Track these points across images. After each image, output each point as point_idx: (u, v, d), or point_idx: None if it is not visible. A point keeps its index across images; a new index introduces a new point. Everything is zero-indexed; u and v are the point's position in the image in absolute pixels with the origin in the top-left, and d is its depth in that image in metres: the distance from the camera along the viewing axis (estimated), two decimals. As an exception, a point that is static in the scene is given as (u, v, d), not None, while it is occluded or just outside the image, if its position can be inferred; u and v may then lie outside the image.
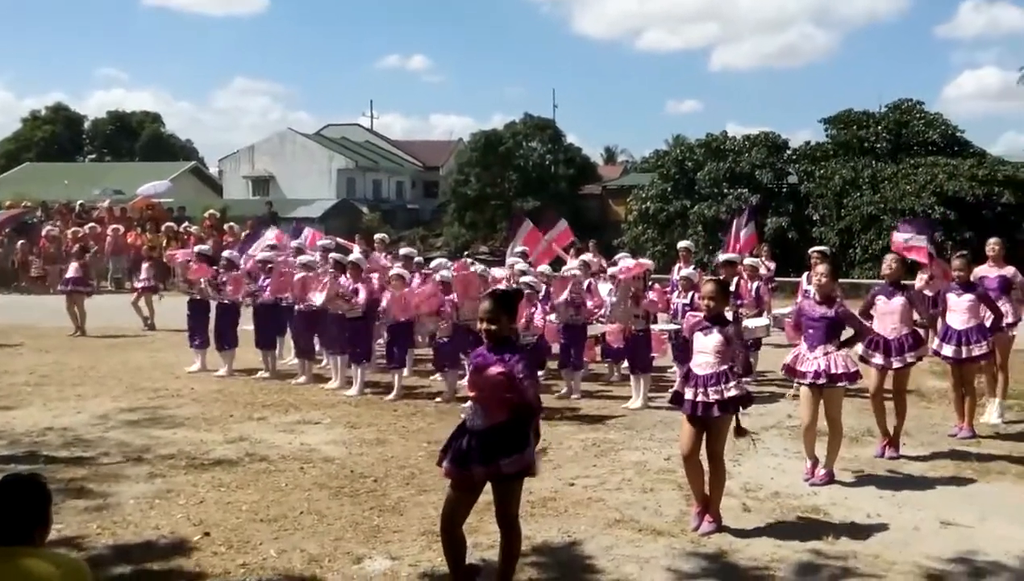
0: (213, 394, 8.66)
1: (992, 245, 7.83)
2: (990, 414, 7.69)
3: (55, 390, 8.79)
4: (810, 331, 5.73)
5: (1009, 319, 7.55)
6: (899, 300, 6.46)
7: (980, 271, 7.62)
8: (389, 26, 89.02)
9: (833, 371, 5.57)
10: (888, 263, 6.67)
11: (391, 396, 8.54)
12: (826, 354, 5.59)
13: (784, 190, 27.94)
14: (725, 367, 4.85)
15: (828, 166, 27.16)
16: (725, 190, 27.48)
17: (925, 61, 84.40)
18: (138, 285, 13.75)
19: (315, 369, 9.63)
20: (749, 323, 8.69)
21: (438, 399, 8.48)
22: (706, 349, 4.91)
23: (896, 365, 6.40)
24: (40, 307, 15.01)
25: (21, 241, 19.50)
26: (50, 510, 2.66)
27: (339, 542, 4.71)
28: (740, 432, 4.97)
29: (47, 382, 9.19)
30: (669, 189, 28.95)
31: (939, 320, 7.31)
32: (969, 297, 6.97)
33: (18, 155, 47.54)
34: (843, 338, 5.77)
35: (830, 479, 5.77)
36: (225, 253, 10.53)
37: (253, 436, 7.00)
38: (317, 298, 8.78)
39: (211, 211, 21.23)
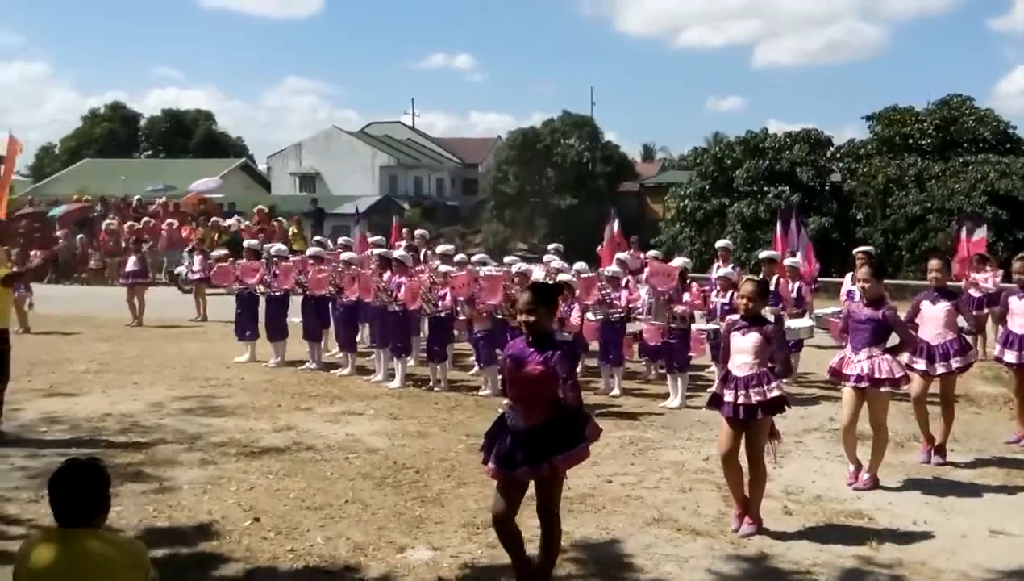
0: (262, 384, 8.93)
1: None
2: None
3: (114, 378, 9.16)
4: (856, 333, 5.66)
5: None
6: (944, 305, 6.32)
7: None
8: (437, 25, 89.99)
9: (876, 375, 5.49)
10: (933, 269, 6.51)
11: (438, 387, 8.76)
12: (870, 357, 5.52)
13: (827, 188, 27.45)
14: (765, 368, 4.84)
15: (872, 164, 26.60)
16: (764, 188, 27.12)
17: (977, 56, 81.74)
18: (192, 278, 14.29)
19: (359, 361, 9.86)
20: (792, 324, 8.61)
21: (477, 393, 8.61)
22: (744, 349, 4.88)
23: (940, 371, 6.27)
24: (99, 298, 15.59)
25: (81, 235, 20.28)
26: (109, 493, 2.74)
27: (382, 531, 4.85)
28: (772, 434, 4.95)
29: (106, 370, 9.59)
30: (707, 187, 28.70)
31: (1000, 325, 7.09)
32: None
33: (79, 151, 49.34)
34: (889, 344, 5.69)
35: (874, 484, 5.70)
36: (275, 247, 10.87)
37: (300, 426, 7.21)
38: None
39: (260, 206, 21.75)
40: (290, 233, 19.16)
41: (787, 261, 10.20)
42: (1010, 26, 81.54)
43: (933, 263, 6.59)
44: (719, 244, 11.41)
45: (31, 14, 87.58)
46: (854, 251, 10.11)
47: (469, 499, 5.41)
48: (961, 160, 25.22)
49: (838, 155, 28.89)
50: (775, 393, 4.80)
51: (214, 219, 20.06)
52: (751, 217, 26.61)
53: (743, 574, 4.39)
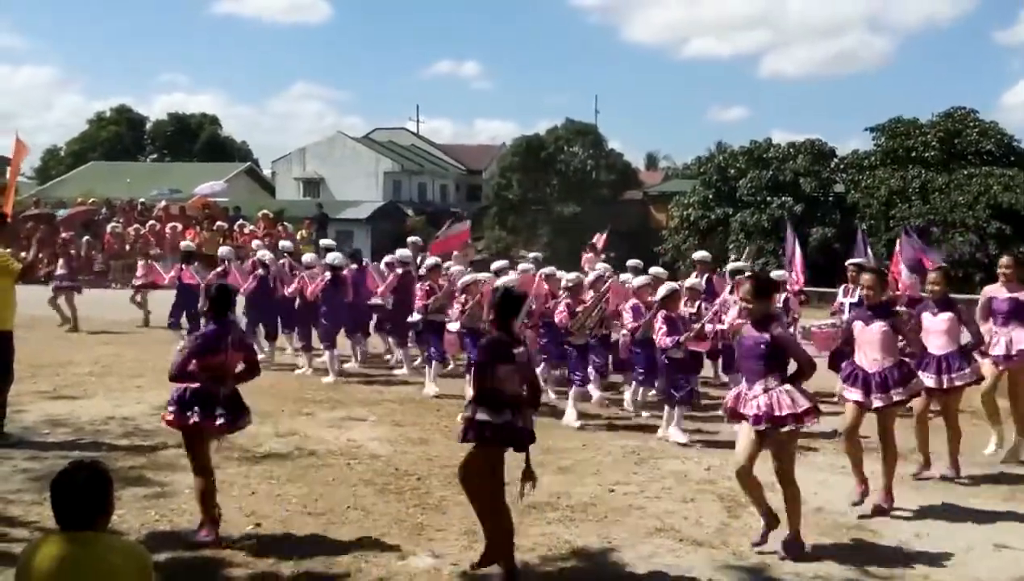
0: (265, 389, 8.89)
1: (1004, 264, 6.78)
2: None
3: (116, 381, 9.18)
4: (745, 362, 4.89)
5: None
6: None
7: (991, 292, 6.78)
8: (444, 32, 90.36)
9: (776, 412, 4.63)
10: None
11: (429, 391, 8.78)
12: (767, 390, 4.66)
13: (830, 199, 27.46)
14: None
15: (875, 175, 26.62)
16: (767, 198, 27.16)
17: (983, 68, 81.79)
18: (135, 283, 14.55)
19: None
20: None
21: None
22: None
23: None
24: (103, 301, 15.63)
25: (86, 237, 20.36)
26: (112, 497, 2.74)
27: (384, 538, 4.85)
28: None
29: (109, 373, 9.61)
30: (711, 196, 28.73)
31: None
32: None
33: (84, 154, 49.52)
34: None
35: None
36: (307, 256, 10.90)
37: (302, 431, 7.23)
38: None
39: (264, 211, 21.83)
40: (299, 237, 19.24)
41: (773, 273, 10.14)
42: (1017, 39, 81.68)
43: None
44: (695, 256, 11.02)
45: (41, 19, 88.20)
46: (846, 263, 9.60)
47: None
48: (965, 172, 25.21)
49: (842, 166, 28.91)
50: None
51: (219, 223, 20.14)
52: (754, 227, 26.64)
53: (744, 585, 4.39)
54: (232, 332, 4.79)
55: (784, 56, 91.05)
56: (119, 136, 52.62)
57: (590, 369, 8.07)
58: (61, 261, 13.74)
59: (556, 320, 8.10)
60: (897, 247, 10.22)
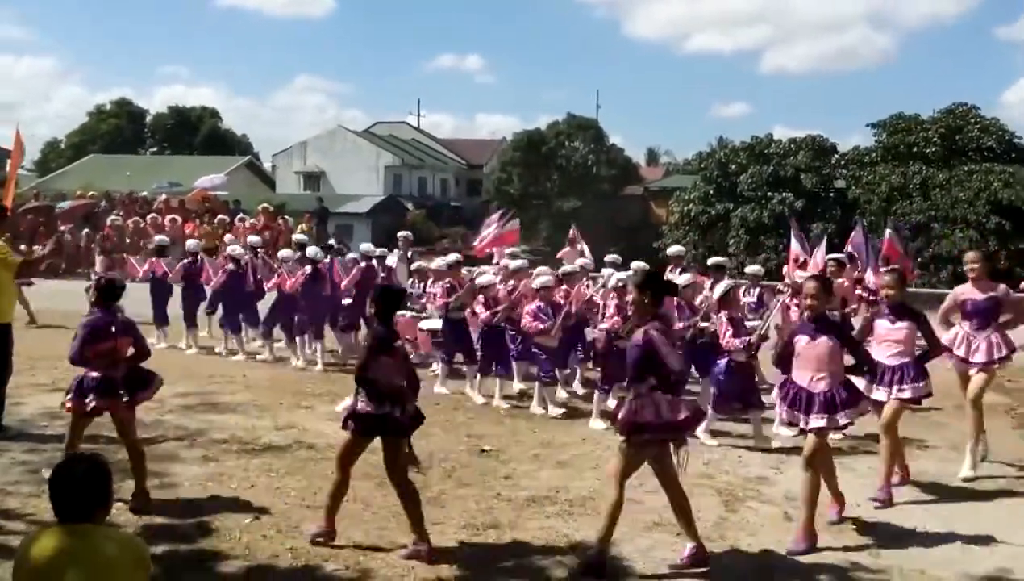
0: (264, 382, 8.94)
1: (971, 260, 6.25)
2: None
3: (114, 374, 9.18)
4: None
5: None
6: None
7: (963, 293, 6.24)
8: (447, 26, 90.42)
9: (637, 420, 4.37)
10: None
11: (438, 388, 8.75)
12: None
13: (831, 195, 27.45)
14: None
15: (876, 171, 26.60)
16: (768, 194, 27.15)
17: (985, 64, 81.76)
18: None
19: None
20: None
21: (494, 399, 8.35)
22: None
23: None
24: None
25: (86, 230, 20.34)
26: (111, 490, 2.73)
27: (382, 531, 4.85)
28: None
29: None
30: (711, 192, 28.73)
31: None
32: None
33: (84, 147, 49.44)
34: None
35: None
36: (282, 251, 11.05)
37: (301, 424, 7.23)
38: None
39: (265, 205, 21.80)
40: (299, 231, 19.21)
41: (748, 268, 10.05)
42: (1019, 35, 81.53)
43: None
44: (670, 251, 10.87)
45: (42, 9, 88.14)
46: (827, 258, 8.87)
47: (469, 500, 5.41)
48: (965, 169, 25.19)
49: (843, 162, 28.88)
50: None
51: (220, 217, 20.10)
52: (755, 222, 26.63)
53: (741, 579, 4.39)
54: (117, 320, 5.17)
55: (786, 52, 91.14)
56: (119, 129, 52.55)
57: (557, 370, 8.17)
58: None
59: (608, 325, 7.59)
60: (887, 238, 10.04)
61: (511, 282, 8.90)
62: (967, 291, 6.20)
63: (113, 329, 5.11)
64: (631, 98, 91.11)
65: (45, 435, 6.65)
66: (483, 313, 8.39)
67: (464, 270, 9.48)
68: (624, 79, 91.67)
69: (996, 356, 6.05)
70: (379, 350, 4.43)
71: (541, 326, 7.82)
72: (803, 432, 4.92)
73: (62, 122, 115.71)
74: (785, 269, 9.96)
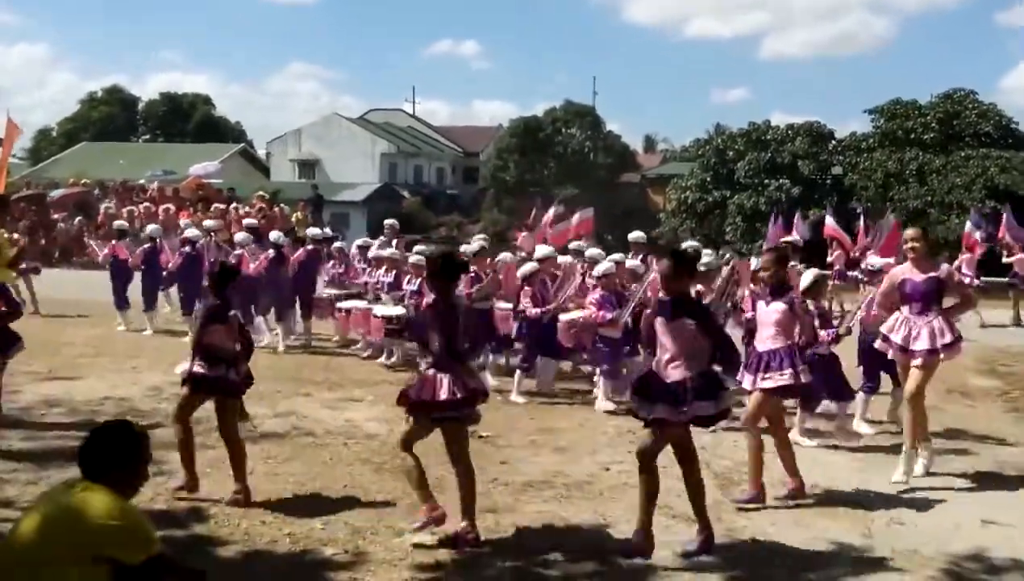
0: (262, 369, 8.86)
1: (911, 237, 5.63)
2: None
3: (110, 362, 9.18)
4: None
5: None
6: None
7: (902, 273, 5.64)
8: (444, 11, 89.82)
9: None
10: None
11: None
12: None
13: (828, 181, 27.44)
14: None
15: (873, 158, 26.59)
16: (765, 180, 27.12)
17: (983, 50, 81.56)
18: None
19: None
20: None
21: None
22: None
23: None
24: (96, 282, 15.52)
25: (80, 218, 20.27)
26: (138, 456, 2.80)
27: (381, 517, 4.87)
28: None
29: (103, 354, 9.61)
30: (709, 179, 28.69)
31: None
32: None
33: (76, 135, 49.11)
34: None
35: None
36: (238, 235, 11.42)
37: (300, 411, 7.24)
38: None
39: (260, 192, 21.74)
40: (294, 219, 19.16)
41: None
42: (1017, 20, 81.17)
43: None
44: (631, 237, 10.67)
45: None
46: (780, 240, 8.67)
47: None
48: (962, 154, 25.18)
49: (840, 148, 28.85)
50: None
51: (216, 205, 20.03)
52: (752, 209, 26.62)
53: (736, 560, 4.43)
54: None
55: (785, 37, 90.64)
56: (111, 116, 52.19)
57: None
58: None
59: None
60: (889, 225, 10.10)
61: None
62: (906, 271, 5.57)
63: None
64: (629, 85, 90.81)
65: (42, 423, 6.66)
66: (531, 309, 7.87)
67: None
68: (622, 65, 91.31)
69: (939, 343, 5.37)
70: (212, 320, 5.04)
71: (609, 315, 7.34)
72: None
73: (55, 108, 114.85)
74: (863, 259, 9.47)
